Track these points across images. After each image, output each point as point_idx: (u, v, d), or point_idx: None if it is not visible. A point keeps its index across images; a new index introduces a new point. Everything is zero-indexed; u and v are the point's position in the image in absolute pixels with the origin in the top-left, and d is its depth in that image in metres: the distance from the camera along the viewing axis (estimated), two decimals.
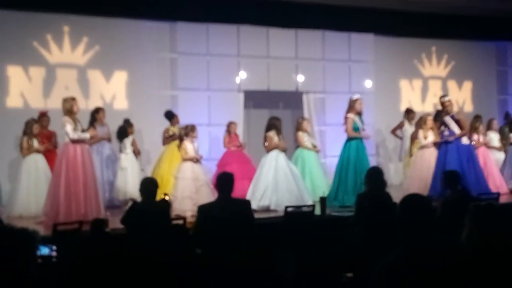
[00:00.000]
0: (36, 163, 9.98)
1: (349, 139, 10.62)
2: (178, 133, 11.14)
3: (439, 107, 11.27)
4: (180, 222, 7.48)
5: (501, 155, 12.53)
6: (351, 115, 10.55)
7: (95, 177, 9.04)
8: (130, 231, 6.87)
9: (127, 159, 10.53)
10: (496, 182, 11.53)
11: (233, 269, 5.56)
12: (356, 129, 10.56)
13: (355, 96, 10.85)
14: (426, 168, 10.84)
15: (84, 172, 8.71)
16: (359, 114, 10.67)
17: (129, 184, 10.30)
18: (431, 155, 10.91)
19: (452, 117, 10.74)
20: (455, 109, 11.17)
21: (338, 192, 10.47)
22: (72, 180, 8.61)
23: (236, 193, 6.94)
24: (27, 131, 10.04)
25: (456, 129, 10.67)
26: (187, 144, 9.91)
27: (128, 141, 10.67)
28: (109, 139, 10.94)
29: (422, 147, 11.10)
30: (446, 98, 10.99)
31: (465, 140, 10.78)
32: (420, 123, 11.34)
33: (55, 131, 10.78)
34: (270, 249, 5.67)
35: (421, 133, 11.14)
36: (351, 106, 10.65)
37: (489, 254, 3.50)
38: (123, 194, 10.34)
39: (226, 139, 11.93)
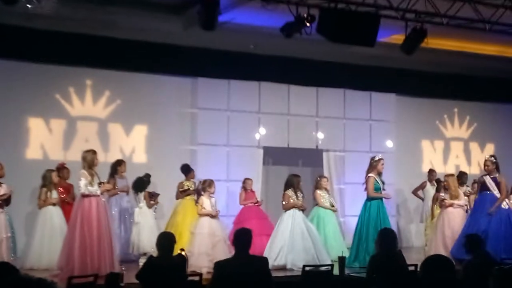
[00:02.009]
0: (52, 215, 9.93)
1: (370, 199, 10.47)
2: (193, 188, 11.09)
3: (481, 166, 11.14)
4: (196, 278, 7.34)
5: None
6: (372, 175, 10.44)
7: (110, 231, 8.90)
8: (146, 286, 6.73)
9: (140, 213, 10.43)
10: None
11: None
12: (377, 189, 10.43)
13: (378, 156, 10.74)
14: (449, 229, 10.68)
15: (98, 225, 8.60)
16: (379, 174, 10.56)
17: (142, 239, 10.17)
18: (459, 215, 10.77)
19: (494, 179, 10.52)
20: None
21: (358, 253, 10.26)
22: (86, 234, 8.51)
23: (254, 249, 6.83)
24: (47, 183, 10.02)
25: (496, 192, 10.46)
26: (204, 200, 9.83)
27: (142, 195, 10.57)
28: (127, 192, 10.88)
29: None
30: (492, 158, 10.79)
31: (504, 204, 10.55)
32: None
33: (73, 184, 10.75)
34: None
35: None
36: (373, 166, 10.55)
37: None
38: (136, 248, 10.21)
39: (242, 195, 11.83)
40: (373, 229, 10.14)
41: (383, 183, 10.66)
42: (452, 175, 11.75)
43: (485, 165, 10.60)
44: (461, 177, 12.84)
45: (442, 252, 9.74)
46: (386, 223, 10.21)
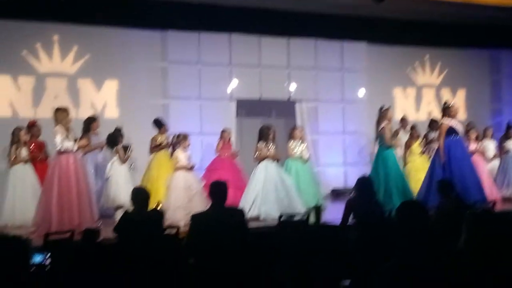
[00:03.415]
0: (24, 173, 9.82)
1: (387, 148, 10.34)
2: (166, 142, 11.04)
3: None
4: (173, 232, 7.35)
5: (496, 163, 12.50)
6: (387, 124, 10.32)
7: (89, 187, 8.87)
8: (122, 240, 6.74)
9: (112, 167, 10.36)
10: (486, 190, 11.39)
11: (228, 278, 5.45)
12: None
13: (386, 106, 10.68)
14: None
15: (77, 181, 8.54)
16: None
17: (114, 192, 10.12)
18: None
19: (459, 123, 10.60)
20: None
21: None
22: (65, 190, 8.44)
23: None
24: (15, 140, 9.90)
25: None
26: (179, 154, 9.79)
27: (116, 150, 10.49)
28: (101, 149, 10.80)
29: None
30: (452, 102, 10.85)
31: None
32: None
33: (45, 141, 10.63)
34: (267, 258, 5.59)
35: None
36: (383, 115, 10.42)
37: (487, 260, 3.51)
38: (109, 202, 10.18)
39: (219, 145, 11.84)
40: (391, 177, 10.07)
41: None
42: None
43: (455, 110, 10.56)
44: (432, 124, 12.94)
45: None
46: (400, 169, 10.19)
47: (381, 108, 10.61)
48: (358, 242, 6.87)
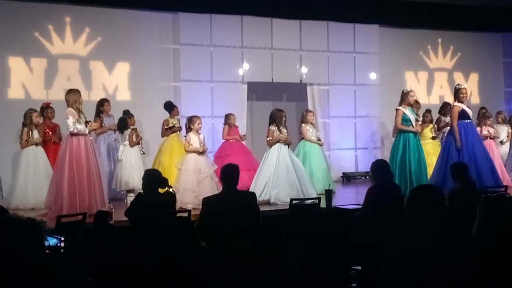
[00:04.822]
0: (36, 155, 9.84)
1: (399, 132, 10.29)
2: (178, 125, 11.03)
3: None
4: (185, 214, 7.37)
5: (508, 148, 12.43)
6: (400, 108, 10.27)
7: (99, 169, 8.87)
8: (135, 223, 6.76)
9: (124, 151, 10.38)
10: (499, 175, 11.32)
11: (240, 261, 5.47)
12: (406, 120, 10.22)
13: (407, 89, 10.62)
14: None
15: (88, 164, 8.55)
16: (410, 105, 10.38)
17: (125, 176, 10.15)
18: None
19: (468, 108, 10.50)
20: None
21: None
22: (76, 172, 8.45)
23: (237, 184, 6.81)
24: (27, 122, 9.92)
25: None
26: (191, 136, 9.78)
27: (127, 133, 10.52)
28: (114, 130, 10.82)
29: None
30: (463, 86, 10.72)
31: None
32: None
33: (58, 123, 10.66)
34: (278, 241, 5.60)
35: None
36: (403, 99, 10.35)
37: (502, 245, 3.47)
38: (119, 185, 10.20)
39: (225, 130, 11.75)
40: (399, 162, 10.00)
41: (417, 115, 10.56)
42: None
43: (464, 93, 10.46)
44: (445, 108, 12.85)
45: None
46: (413, 156, 10.05)
47: (402, 91, 10.51)
48: (373, 226, 6.85)
